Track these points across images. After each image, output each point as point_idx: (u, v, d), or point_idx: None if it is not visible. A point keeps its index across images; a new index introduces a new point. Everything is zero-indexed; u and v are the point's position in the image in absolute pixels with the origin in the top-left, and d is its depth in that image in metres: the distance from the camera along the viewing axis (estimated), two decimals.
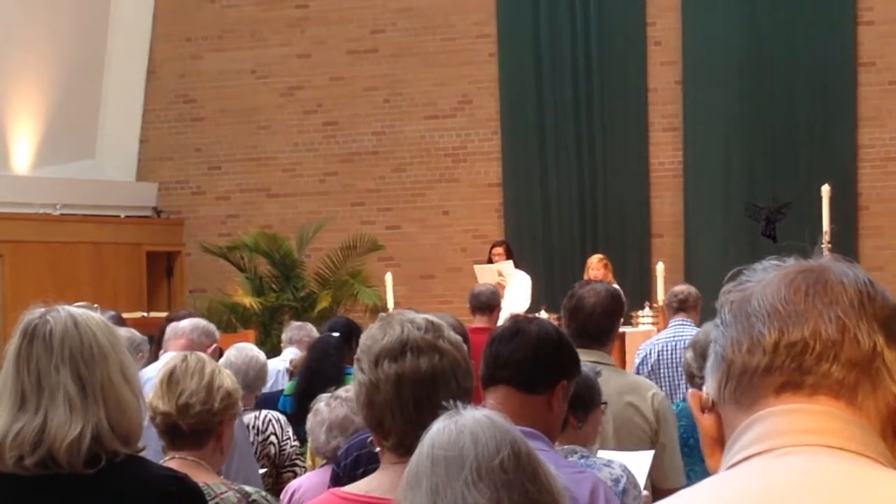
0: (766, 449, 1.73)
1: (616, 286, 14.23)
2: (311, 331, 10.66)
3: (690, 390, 1.90)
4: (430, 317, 3.47)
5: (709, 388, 1.84)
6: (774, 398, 1.76)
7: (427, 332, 3.38)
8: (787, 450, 1.71)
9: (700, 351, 6.79)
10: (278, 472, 7.34)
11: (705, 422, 1.84)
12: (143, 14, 19.69)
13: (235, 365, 7.50)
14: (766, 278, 1.84)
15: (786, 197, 16.63)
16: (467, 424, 2.61)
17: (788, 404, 1.75)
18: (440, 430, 2.62)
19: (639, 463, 5.53)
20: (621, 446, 5.72)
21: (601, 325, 6.01)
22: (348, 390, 6.08)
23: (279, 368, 10.07)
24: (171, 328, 7.88)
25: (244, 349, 7.85)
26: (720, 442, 1.81)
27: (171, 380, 4.54)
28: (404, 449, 3.30)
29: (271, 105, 19.43)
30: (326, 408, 6.09)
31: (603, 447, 5.67)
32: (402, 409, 3.32)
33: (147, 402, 4.51)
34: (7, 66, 17.47)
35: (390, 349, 3.36)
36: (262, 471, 7.01)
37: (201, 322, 7.92)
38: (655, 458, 5.82)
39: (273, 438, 7.35)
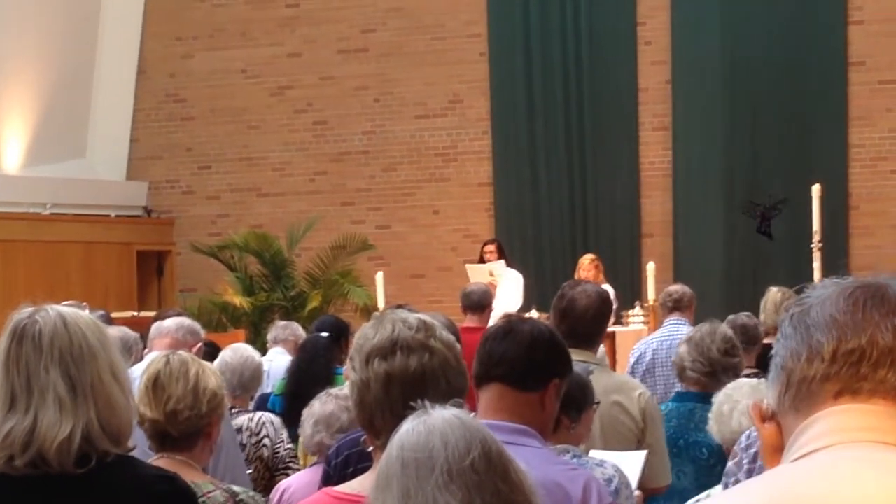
0: (825, 445, 1.77)
1: (605, 287, 14.29)
2: (297, 330, 10.63)
3: (752, 401, 1.94)
4: (423, 316, 3.47)
5: (769, 399, 1.90)
6: (832, 403, 1.81)
7: (418, 332, 3.38)
8: (844, 445, 1.76)
9: (695, 346, 6.80)
10: (271, 474, 7.31)
11: (766, 431, 1.90)
12: (133, 14, 19.67)
13: (231, 366, 7.47)
14: (825, 293, 1.90)
15: (776, 197, 16.65)
16: (436, 425, 2.58)
17: (846, 405, 1.80)
18: (409, 431, 2.59)
19: (632, 463, 5.53)
20: (607, 445, 5.73)
21: (592, 327, 6.06)
22: (343, 389, 6.10)
23: (265, 369, 10.03)
24: (156, 327, 7.83)
25: (240, 350, 7.82)
26: (780, 451, 1.86)
27: (156, 385, 4.52)
28: None
29: (261, 104, 19.42)
30: (318, 402, 6.15)
31: (589, 447, 5.67)
32: (392, 409, 3.31)
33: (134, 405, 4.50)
34: None
35: (381, 348, 3.36)
36: (250, 472, 6.99)
37: (186, 321, 7.88)
38: None
39: (266, 441, 7.31)
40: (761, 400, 1.92)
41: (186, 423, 4.47)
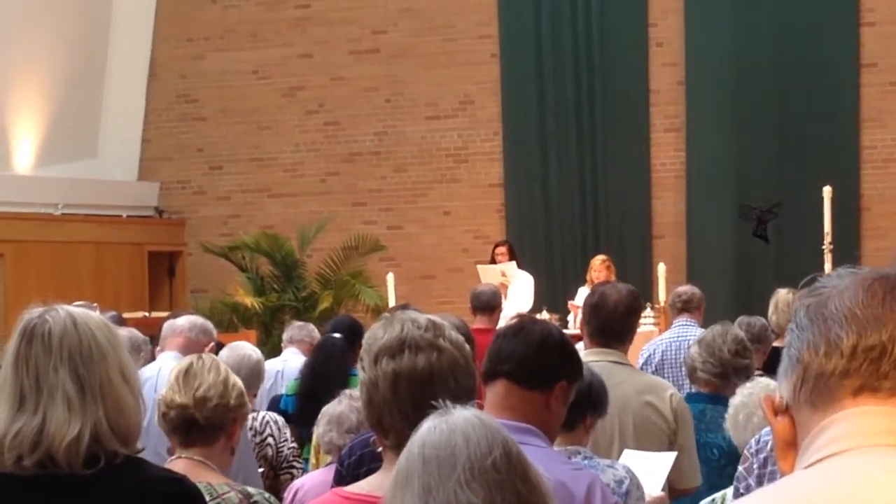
0: (843, 449, 1.73)
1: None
2: (313, 331, 10.61)
3: (764, 394, 1.89)
4: (432, 316, 3.46)
5: (783, 391, 1.84)
6: (850, 401, 1.76)
7: (427, 331, 3.38)
8: (865, 449, 1.72)
9: (706, 347, 6.80)
10: (275, 473, 7.33)
11: (778, 425, 1.84)
12: (144, 15, 19.69)
13: (228, 364, 7.46)
14: (842, 284, 1.84)
15: (787, 198, 16.64)
16: (458, 424, 2.60)
17: (865, 406, 1.75)
18: (431, 429, 2.61)
19: (660, 464, 5.53)
20: (639, 445, 5.73)
21: (622, 323, 6.06)
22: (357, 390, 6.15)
23: (278, 369, 10.03)
24: (169, 326, 7.83)
25: (237, 348, 7.77)
26: (793, 445, 1.82)
27: (188, 374, 4.58)
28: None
29: (273, 105, 19.43)
30: (335, 401, 6.21)
31: (622, 447, 5.68)
32: (400, 408, 3.32)
33: (160, 397, 4.55)
34: (9, 67, 17.47)
35: (389, 347, 3.36)
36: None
37: (199, 320, 7.87)
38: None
39: (270, 440, 7.33)
40: (774, 393, 1.87)
41: (214, 411, 4.51)
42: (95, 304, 7.43)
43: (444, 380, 3.33)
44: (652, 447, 5.73)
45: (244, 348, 7.86)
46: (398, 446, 3.32)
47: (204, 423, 4.49)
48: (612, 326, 6.00)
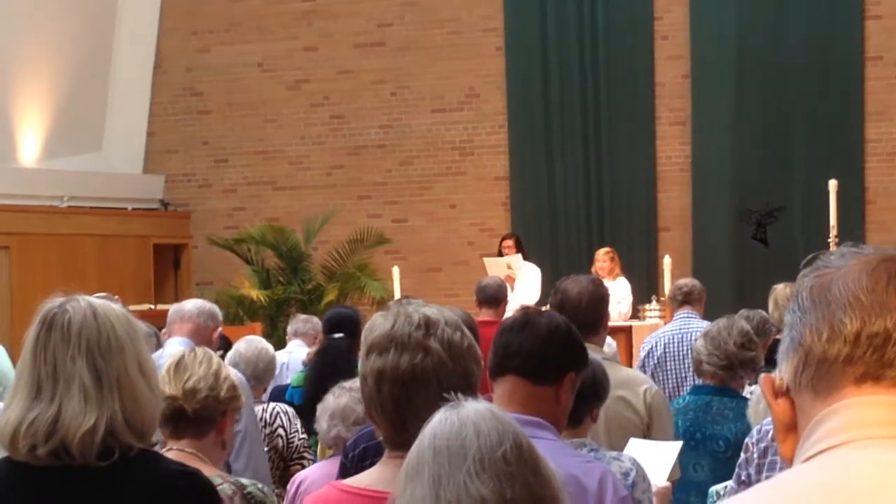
0: (843, 441, 1.70)
1: (621, 280, 14.31)
2: (317, 324, 10.65)
3: (763, 375, 1.85)
4: (431, 311, 3.44)
5: (783, 374, 1.80)
6: (853, 389, 1.73)
7: (417, 329, 3.36)
8: (864, 442, 1.68)
9: (712, 340, 6.82)
10: (286, 464, 7.36)
11: (778, 407, 1.80)
12: (150, 7, 19.70)
13: (245, 357, 7.50)
14: (845, 265, 1.81)
15: (792, 192, 16.63)
16: (469, 416, 2.61)
17: (866, 395, 1.72)
18: (442, 420, 2.62)
19: (666, 453, 5.53)
20: (611, 441, 5.69)
21: (591, 313, 5.94)
22: (356, 381, 6.13)
23: (283, 360, 10.06)
24: (176, 311, 7.77)
25: (254, 342, 7.85)
26: (792, 428, 1.78)
27: (178, 366, 4.57)
28: (392, 444, 3.31)
29: (278, 98, 19.44)
30: (332, 396, 6.19)
31: (594, 441, 5.66)
32: (383, 406, 3.33)
33: None
34: (15, 59, 17.49)
35: (378, 344, 3.37)
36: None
37: (206, 304, 7.82)
38: None
39: (281, 431, 7.36)
40: (773, 374, 1.83)
41: (203, 402, 4.50)
42: (117, 297, 7.38)
43: (427, 382, 3.31)
44: (623, 442, 5.70)
45: (260, 342, 7.91)
46: (386, 441, 3.35)
47: (193, 414, 4.48)
48: (581, 319, 5.84)
